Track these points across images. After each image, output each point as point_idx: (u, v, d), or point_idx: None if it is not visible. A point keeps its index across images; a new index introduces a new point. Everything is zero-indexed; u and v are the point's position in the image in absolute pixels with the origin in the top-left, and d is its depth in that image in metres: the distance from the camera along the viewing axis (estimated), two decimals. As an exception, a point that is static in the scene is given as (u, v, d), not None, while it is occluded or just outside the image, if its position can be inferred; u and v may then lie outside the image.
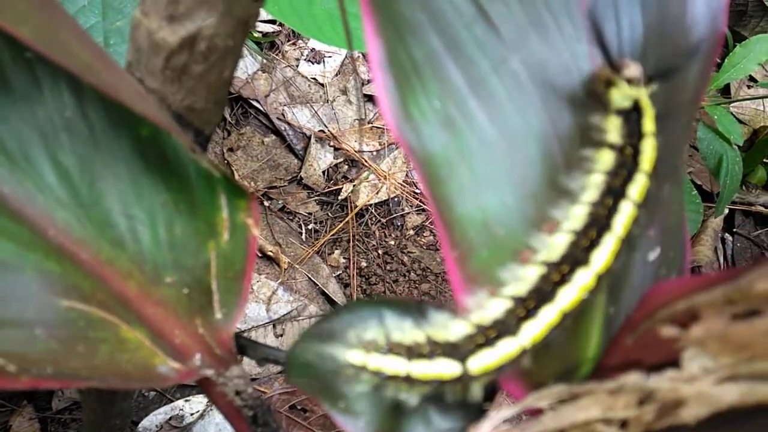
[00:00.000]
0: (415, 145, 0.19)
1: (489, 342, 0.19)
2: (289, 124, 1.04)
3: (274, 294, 0.92)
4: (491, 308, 0.20)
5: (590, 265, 0.20)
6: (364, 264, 1.00)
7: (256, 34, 1.01)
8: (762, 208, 1.21)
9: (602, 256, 0.20)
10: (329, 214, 1.03)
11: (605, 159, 0.21)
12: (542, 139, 0.21)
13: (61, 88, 0.23)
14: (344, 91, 1.10)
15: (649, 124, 0.20)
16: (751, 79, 1.30)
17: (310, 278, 0.95)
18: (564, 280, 0.20)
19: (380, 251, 1.01)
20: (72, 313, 0.22)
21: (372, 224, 1.03)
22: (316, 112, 1.05)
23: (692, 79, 0.25)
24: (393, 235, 1.04)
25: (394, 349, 0.19)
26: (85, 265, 0.23)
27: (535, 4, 0.21)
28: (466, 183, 0.19)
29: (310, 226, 1.00)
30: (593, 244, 0.20)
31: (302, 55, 1.05)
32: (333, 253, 1.00)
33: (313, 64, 1.06)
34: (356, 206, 1.01)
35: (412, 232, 1.05)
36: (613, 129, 0.21)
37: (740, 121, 1.24)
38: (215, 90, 0.26)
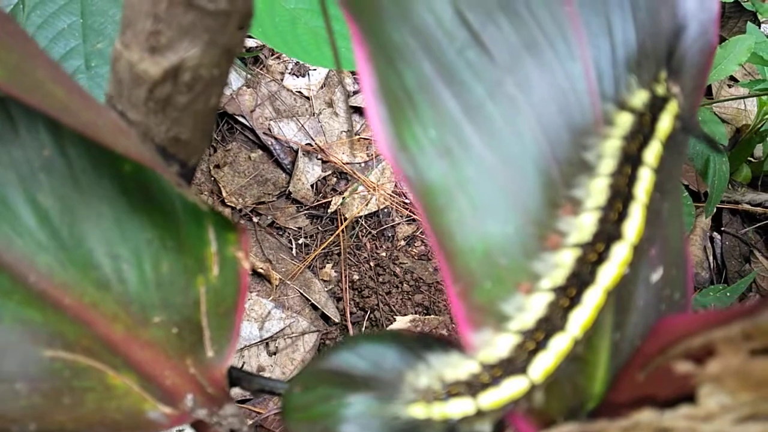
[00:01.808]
0: (413, 176, 0.18)
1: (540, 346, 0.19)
2: (275, 138, 1.03)
3: (267, 312, 0.91)
4: (533, 308, 0.19)
5: (597, 282, 0.20)
6: (356, 277, 0.99)
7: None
8: (748, 206, 1.23)
9: (610, 271, 0.20)
10: (319, 227, 1.02)
11: (623, 123, 0.20)
12: (541, 162, 0.20)
13: (38, 127, 0.22)
14: (330, 104, 1.09)
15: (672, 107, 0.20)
16: (731, 78, 1.32)
17: (302, 294, 0.94)
18: (574, 302, 0.19)
19: (372, 263, 1.00)
20: (56, 364, 0.21)
21: (363, 236, 1.02)
22: (302, 125, 1.04)
23: (687, 92, 0.25)
24: (384, 247, 1.04)
25: (452, 390, 0.18)
26: (69, 310, 0.22)
27: (528, 25, 0.21)
28: (465, 213, 0.19)
29: (300, 241, 0.99)
30: (602, 257, 0.20)
31: (287, 68, 1.04)
32: (324, 267, 0.99)
33: (297, 77, 1.06)
34: (346, 219, 1.00)
35: (403, 242, 1.04)
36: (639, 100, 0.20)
37: (723, 121, 1.25)
38: (201, 120, 0.26)
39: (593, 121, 0.21)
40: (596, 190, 0.19)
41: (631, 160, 0.20)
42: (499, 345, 0.19)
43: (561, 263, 0.20)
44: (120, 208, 0.23)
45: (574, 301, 0.20)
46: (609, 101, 0.21)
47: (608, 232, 0.19)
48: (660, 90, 0.20)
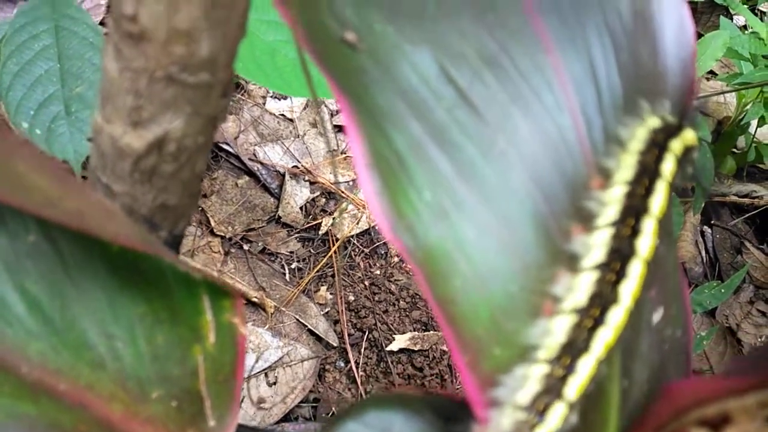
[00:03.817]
0: (411, 245, 0.18)
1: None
2: (261, 163, 1.02)
3: (264, 341, 0.90)
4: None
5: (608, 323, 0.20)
6: (351, 298, 0.98)
7: (219, 78, 1.00)
8: (736, 198, 1.24)
9: (617, 316, 0.19)
10: (311, 250, 1.01)
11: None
12: (538, 218, 0.20)
13: (23, 212, 0.21)
14: (314, 124, 1.09)
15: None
16: (709, 71, 1.34)
17: (298, 320, 0.93)
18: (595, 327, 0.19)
19: (367, 282, 1.00)
20: (54, 457, 0.20)
21: (356, 255, 1.02)
22: (287, 148, 1.03)
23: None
24: (378, 264, 1.03)
25: (539, 405, 0.18)
26: (65, 396, 0.21)
27: (513, 79, 0.20)
28: (467, 277, 0.18)
29: (293, 265, 0.98)
30: (603, 316, 0.20)
31: (268, 92, 1.04)
32: (319, 290, 0.98)
33: (279, 100, 1.05)
34: (338, 239, 1.00)
35: (396, 258, 1.04)
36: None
37: (705, 114, 1.27)
38: (189, 185, 0.25)
39: (585, 170, 0.21)
40: (598, 244, 0.19)
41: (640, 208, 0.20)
42: (556, 330, 0.18)
43: (558, 328, 0.20)
44: (111, 286, 0.23)
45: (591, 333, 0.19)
46: (601, 146, 0.21)
47: (610, 285, 0.19)
48: (666, 120, 0.20)
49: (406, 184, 0.19)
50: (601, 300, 0.19)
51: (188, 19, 0.17)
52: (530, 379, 0.18)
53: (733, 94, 1.18)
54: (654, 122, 0.20)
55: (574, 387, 0.18)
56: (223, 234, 0.96)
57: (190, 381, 0.24)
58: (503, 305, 0.19)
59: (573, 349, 0.18)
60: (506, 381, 0.18)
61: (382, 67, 0.19)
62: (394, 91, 0.19)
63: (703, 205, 1.05)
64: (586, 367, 0.18)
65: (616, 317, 0.19)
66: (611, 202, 0.20)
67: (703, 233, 1.22)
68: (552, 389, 0.18)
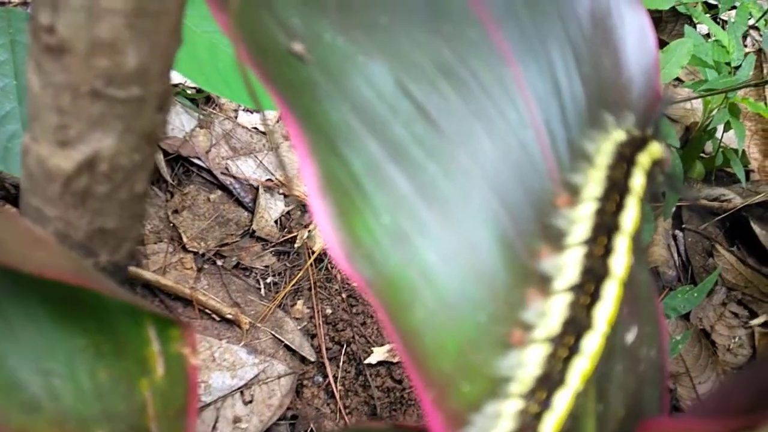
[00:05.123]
0: (369, 274, 0.16)
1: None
2: (234, 177, 1.00)
3: (239, 359, 0.88)
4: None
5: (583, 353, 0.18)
6: (329, 311, 0.97)
7: (189, 91, 0.98)
8: (705, 202, 1.25)
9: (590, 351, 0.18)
10: (287, 264, 0.99)
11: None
12: (504, 239, 0.19)
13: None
14: (287, 137, 1.07)
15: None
16: (676, 78, 1.36)
17: (274, 335, 0.91)
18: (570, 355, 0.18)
19: (344, 295, 0.98)
20: None
21: (332, 268, 1.00)
22: (261, 161, 1.01)
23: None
24: (355, 276, 1.01)
25: None
26: (-10, 444, 0.19)
27: (474, 93, 0.19)
28: (432, 306, 0.17)
29: (268, 280, 0.96)
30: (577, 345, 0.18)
31: (240, 105, 1.02)
32: (296, 304, 0.96)
33: (252, 113, 1.03)
34: (314, 252, 0.98)
35: (374, 270, 1.02)
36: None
37: (673, 120, 1.29)
38: (128, 206, 0.23)
39: (551, 187, 0.20)
40: (573, 252, 0.18)
41: (618, 187, 0.19)
42: (529, 361, 0.17)
43: (531, 359, 0.18)
44: (44, 317, 0.21)
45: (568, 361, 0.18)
46: (567, 160, 0.20)
47: (583, 317, 0.18)
48: (633, 134, 0.19)
49: (363, 207, 0.17)
50: (576, 326, 0.18)
51: (110, 28, 0.15)
52: (503, 417, 0.17)
53: (700, 100, 1.20)
54: (619, 135, 0.19)
55: (551, 424, 0.17)
56: (195, 250, 0.93)
57: (138, 417, 0.23)
58: (471, 335, 0.17)
59: (548, 381, 0.17)
60: (477, 420, 0.17)
61: (334, 80, 0.18)
62: (347, 105, 0.18)
63: (673, 210, 1.06)
64: (562, 401, 0.17)
65: (593, 344, 0.18)
66: (581, 220, 0.19)
67: (674, 237, 1.23)
68: (527, 428, 0.17)
